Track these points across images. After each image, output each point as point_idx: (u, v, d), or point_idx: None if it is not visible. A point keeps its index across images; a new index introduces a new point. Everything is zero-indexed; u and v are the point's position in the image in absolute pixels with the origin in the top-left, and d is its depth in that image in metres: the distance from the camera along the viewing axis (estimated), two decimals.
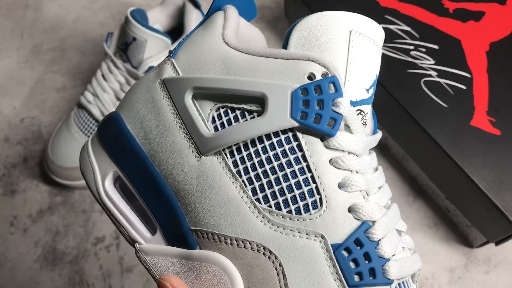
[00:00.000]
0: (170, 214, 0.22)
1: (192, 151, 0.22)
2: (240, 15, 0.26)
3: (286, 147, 0.21)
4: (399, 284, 0.21)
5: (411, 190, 0.56)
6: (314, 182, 0.21)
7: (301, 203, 0.21)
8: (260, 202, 0.21)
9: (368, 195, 0.21)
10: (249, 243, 0.20)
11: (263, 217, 0.21)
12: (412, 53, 0.50)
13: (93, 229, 0.56)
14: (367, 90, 0.23)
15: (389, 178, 0.56)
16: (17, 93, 0.68)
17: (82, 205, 0.58)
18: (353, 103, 0.22)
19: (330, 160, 0.21)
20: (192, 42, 0.24)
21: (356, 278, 0.19)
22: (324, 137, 0.21)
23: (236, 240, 0.21)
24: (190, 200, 0.22)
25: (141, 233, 0.23)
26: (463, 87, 0.48)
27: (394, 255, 0.21)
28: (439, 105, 0.47)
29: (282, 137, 0.21)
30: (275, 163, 0.21)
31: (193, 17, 0.57)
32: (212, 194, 0.21)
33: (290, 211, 0.20)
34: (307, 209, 0.20)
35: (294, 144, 0.21)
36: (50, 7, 0.78)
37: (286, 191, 0.21)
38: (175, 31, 0.60)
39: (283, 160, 0.21)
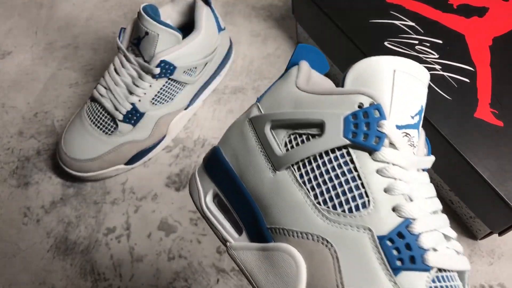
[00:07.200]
0: (253, 216, 0.29)
1: (269, 168, 0.29)
2: (314, 68, 0.33)
3: (341, 160, 0.26)
4: (442, 277, 0.24)
5: None
6: (363, 187, 0.25)
7: (352, 204, 0.25)
8: (320, 204, 0.26)
9: (411, 200, 0.25)
10: (311, 235, 0.26)
11: (322, 216, 0.26)
12: (417, 47, 0.52)
13: (104, 220, 0.58)
14: (412, 117, 0.28)
15: None
16: (31, 88, 0.70)
17: (93, 197, 0.60)
18: (399, 127, 0.27)
19: (377, 170, 0.26)
20: (274, 89, 0.32)
21: (398, 262, 0.23)
22: (371, 151, 0.26)
23: (301, 233, 0.26)
24: (266, 204, 0.28)
25: (231, 234, 0.30)
26: (467, 80, 0.49)
27: (435, 249, 0.24)
28: (443, 97, 0.48)
29: (338, 153, 0.26)
30: (332, 174, 0.26)
31: (203, 14, 0.58)
32: (283, 199, 0.28)
33: (344, 211, 0.25)
34: (357, 209, 0.25)
35: (347, 158, 0.26)
36: (64, 5, 0.80)
37: (340, 196, 0.26)
38: (186, 27, 0.61)
39: (339, 171, 0.26)
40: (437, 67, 0.50)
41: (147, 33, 0.53)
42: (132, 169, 0.61)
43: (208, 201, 0.32)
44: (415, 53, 0.51)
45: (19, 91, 0.70)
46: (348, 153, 0.26)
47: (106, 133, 0.58)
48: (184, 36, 0.57)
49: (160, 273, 0.54)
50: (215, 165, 0.32)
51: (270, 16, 0.75)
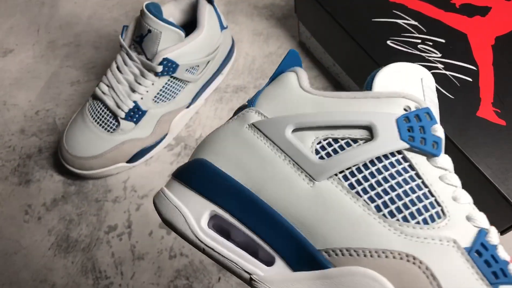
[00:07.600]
0: (292, 240, 0.23)
1: (303, 178, 0.24)
2: None
3: (399, 167, 0.24)
4: None
5: None
6: (432, 195, 0.23)
7: (426, 214, 0.23)
8: (386, 217, 0.23)
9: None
10: (390, 252, 0.22)
11: (395, 229, 0.22)
12: (420, 46, 0.52)
13: (105, 217, 0.58)
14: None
15: None
16: (33, 86, 0.70)
17: (95, 195, 0.59)
18: None
19: (439, 176, 0.24)
20: (272, 93, 0.28)
21: (493, 277, 0.21)
22: (429, 157, 0.24)
23: (376, 251, 0.22)
24: (310, 223, 0.23)
25: (256, 264, 0.24)
26: (469, 79, 0.49)
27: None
28: (446, 96, 0.48)
29: (393, 159, 0.24)
30: (393, 182, 0.23)
31: (206, 12, 0.58)
32: (337, 214, 0.23)
33: (418, 222, 0.22)
34: (432, 219, 0.22)
35: (406, 164, 0.24)
36: (66, 4, 0.80)
37: (410, 206, 0.23)
38: (189, 25, 0.61)
39: (400, 179, 0.23)
40: (440, 66, 0.50)
41: (149, 31, 0.53)
42: (133, 167, 0.61)
43: (203, 226, 0.25)
44: (418, 52, 0.51)
45: (21, 89, 0.70)
46: (405, 159, 0.24)
47: (108, 131, 0.58)
48: (186, 35, 0.57)
49: (162, 271, 0.54)
50: (208, 180, 0.25)
51: (272, 15, 0.75)
